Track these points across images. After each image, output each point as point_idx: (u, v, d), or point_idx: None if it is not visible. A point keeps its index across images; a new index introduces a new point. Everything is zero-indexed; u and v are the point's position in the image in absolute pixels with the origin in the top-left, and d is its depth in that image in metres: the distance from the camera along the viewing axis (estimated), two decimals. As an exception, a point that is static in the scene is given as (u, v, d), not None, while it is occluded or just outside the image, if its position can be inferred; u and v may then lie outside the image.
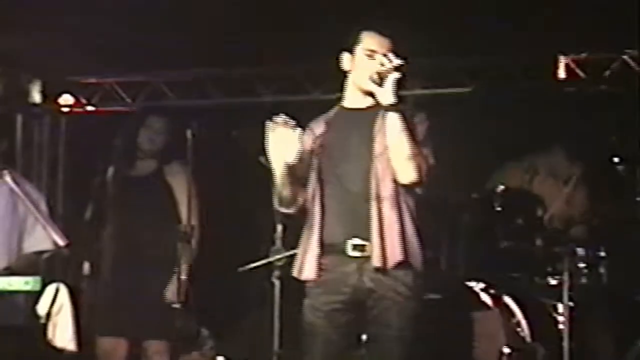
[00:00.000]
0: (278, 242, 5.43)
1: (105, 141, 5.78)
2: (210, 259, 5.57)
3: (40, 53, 6.57)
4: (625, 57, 6.26)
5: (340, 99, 4.11)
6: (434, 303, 4.90)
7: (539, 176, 5.99)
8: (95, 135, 6.47)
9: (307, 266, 3.93)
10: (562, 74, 6.39)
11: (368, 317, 3.87)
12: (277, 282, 5.45)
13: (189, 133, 5.11)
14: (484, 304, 5.19)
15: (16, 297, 4.46)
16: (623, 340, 5.40)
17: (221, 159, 6.40)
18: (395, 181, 3.87)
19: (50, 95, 7.24)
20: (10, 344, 4.35)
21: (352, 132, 3.97)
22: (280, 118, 3.87)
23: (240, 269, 5.64)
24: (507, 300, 5.29)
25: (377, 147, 3.89)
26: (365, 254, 3.85)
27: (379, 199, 3.85)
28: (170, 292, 5.21)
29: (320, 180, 3.95)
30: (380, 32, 3.96)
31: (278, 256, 5.38)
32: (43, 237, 4.85)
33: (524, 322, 5.22)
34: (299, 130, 3.88)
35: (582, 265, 5.42)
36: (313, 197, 3.96)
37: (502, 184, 5.64)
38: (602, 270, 5.43)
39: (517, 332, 5.19)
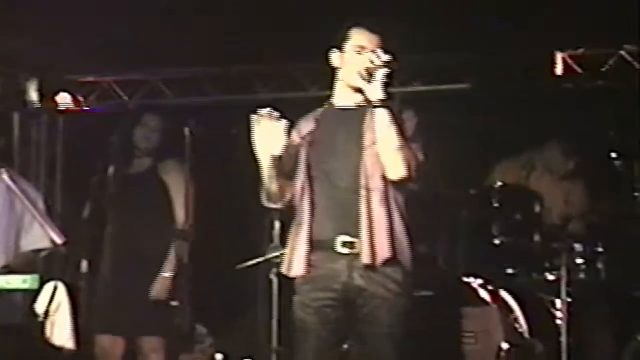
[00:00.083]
0: (276, 239, 5.44)
1: (103, 139, 5.78)
2: (208, 257, 5.58)
3: (37, 52, 6.57)
4: (622, 52, 6.24)
5: (329, 96, 4.08)
6: (426, 300, 4.90)
7: (536, 172, 5.99)
8: (93, 134, 6.45)
9: (295, 263, 3.90)
10: (559, 69, 6.37)
11: (358, 315, 3.84)
12: (275, 279, 5.46)
13: (186, 131, 5.11)
14: (482, 299, 5.20)
15: (14, 295, 4.44)
16: (621, 335, 5.41)
17: (219, 157, 6.39)
18: (384, 178, 3.83)
19: (47, 94, 7.23)
20: (8, 342, 4.34)
21: (340, 129, 3.94)
22: (265, 110, 3.84)
23: (238, 266, 5.64)
24: (505, 295, 5.29)
25: (366, 141, 3.86)
26: (355, 251, 3.81)
27: (368, 195, 3.81)
28: (156, 290, 5.26)
29: (309, 177, 3.92)
30: (370, 28, 3.94)
31: (276, 253, 5.39)
32: (41, 235, 4.83)
33: (522, 318, 5.23)
34: (284, 122, 3.85)
35: (579, 260, 5.43)
36: (302, 194, 3.92)
37: (500, 179, 5.65)
38: (599, 265, 5.44)
39: (515, 328, 5.20)
